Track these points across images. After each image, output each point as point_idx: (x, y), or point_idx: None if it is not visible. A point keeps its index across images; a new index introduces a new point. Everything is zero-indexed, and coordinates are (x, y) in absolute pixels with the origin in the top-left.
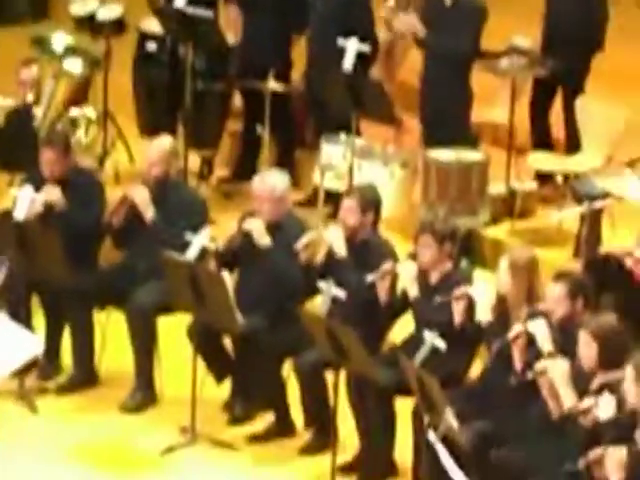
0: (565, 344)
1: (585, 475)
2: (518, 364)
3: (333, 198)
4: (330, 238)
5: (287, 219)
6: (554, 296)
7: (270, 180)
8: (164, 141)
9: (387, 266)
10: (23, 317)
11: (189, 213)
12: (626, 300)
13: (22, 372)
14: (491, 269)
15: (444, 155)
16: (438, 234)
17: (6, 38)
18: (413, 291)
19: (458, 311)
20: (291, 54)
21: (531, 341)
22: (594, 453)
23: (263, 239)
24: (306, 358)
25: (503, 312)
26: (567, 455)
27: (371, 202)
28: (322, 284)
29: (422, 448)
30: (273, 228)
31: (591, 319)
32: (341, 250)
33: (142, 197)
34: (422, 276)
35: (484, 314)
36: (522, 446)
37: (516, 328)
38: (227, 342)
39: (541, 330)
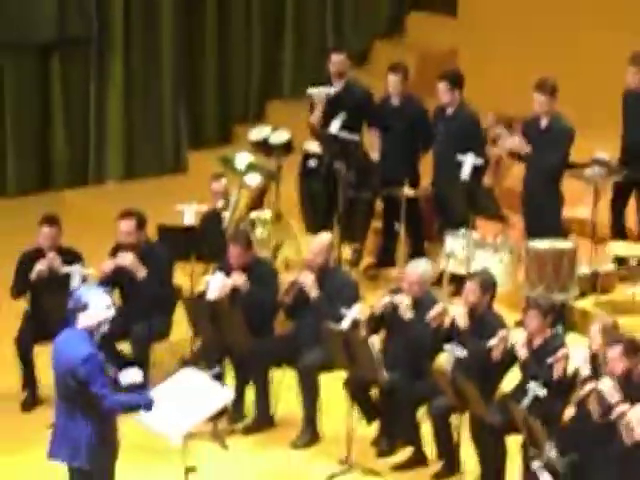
0: (632, 393)
1: None
2: (595, 412)
3: (455, 280)
4: (455, 312)
5: (426, 296)
6: (614, 355)
7: (421, 267)
8: (324, 237)
9: (503, 333)
10: (219, 376)
11: (344, 292)
12: None
13: (215, 417)
14: (580, 333)
15: (541, 244)
16: (542, 308)
17: (199, 158)
18: (523, 352)
19: (558, 368)
20: (419, 167)
21: None
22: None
23: (408, 313)
24: (437, 404)
25: (595, 367)
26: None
27: (489, 284)
28: (447, 346)
29: (529, 475)
30: (416, 304)
31: None
32: (463, 322)
33: (308, 281)
34: (528, 341)
35: (583, 369)
36: (606, 473)
37: (590, 385)
38: (375, 392)
39: (608, 384)
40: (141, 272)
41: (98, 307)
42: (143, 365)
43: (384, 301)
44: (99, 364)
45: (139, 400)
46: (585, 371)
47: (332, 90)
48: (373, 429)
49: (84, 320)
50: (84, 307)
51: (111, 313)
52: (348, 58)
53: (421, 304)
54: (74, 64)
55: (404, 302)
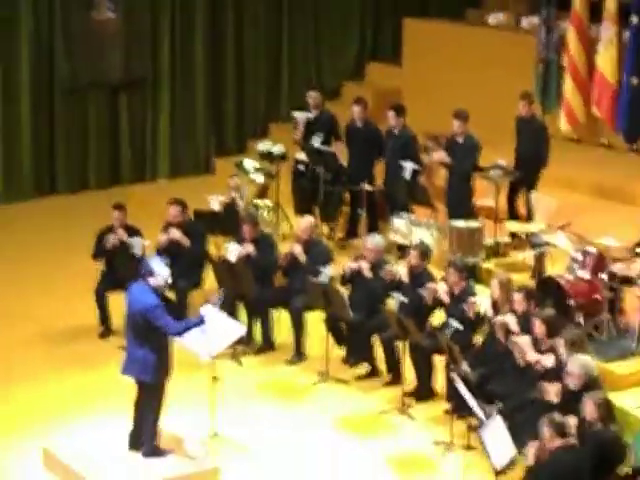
0: (526, 326)
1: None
2: (502, 338)
3: (401, 248)
4: (400, 271)
5: (380, 260)
6: (518, 299)
7: (375, 239)
8: (308, 219)
9: (431, 285)
10: (235, 314)
11: (322, 257)
12: (557, 302)
13: (234, 344)
14: (486, 285)
15: (459, 224)
16: (458, 267)
17: (222, 163)
18: (446, 298)
19: (470, 309)
20: (375, 170)
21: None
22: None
23: (367, 273)
24: (386, 334)
25: (495, 310)
26: (529, 385)
27: (425, 252)
28: (395, 294)
29: (449, 384)
30: (373, 267)
31: (540, 312)
32: (405, 278)
33: (298, 250)
34: (449, 290)
35: (488, 311)
36: (504, 381)
37: (499, 319)
38: (344, 325)
39: (511, 319)
40: (186, 242)
41: (161, 273)
42: (183, 307)
43: (351, 266)
44: (162, 308)
45: (190, 323)
46: (489, 312)
47: (310, 115)
48: (343, 351)
49: (152, 281)
50: (152, 273)
51: (168, 276)
52: (324, 94)
53: (377, 265)
54: (135, 96)
55: (364, 265)
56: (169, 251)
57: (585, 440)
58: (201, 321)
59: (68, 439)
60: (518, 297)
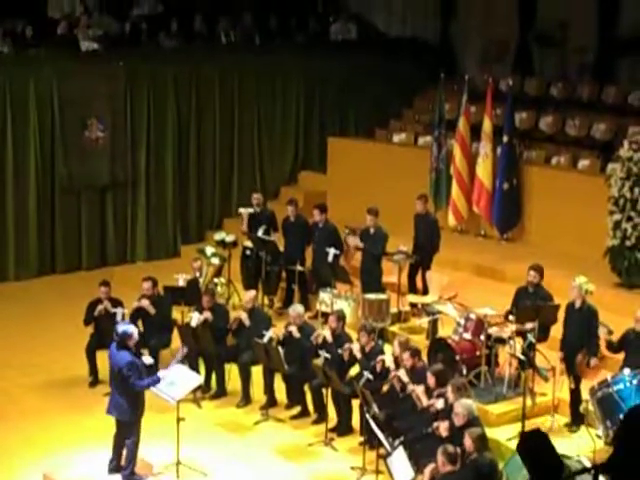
0: (415, 377)
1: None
2: (397, 387)
3: (324, 315)
4: (324, 333)
5: (304, 325)
6: (406, 357)
7: (297, 308)
8: (252, 292)
9: (348, 345)
10: (196, 367)
11: (264, 322)
12: (445, 357)
13: (195, 391)
14: (390, 344)
15: (370, 296)
16: (368, 330)
17: (187, 249)
18: (359, 355)
19: (378, 364)
20: (306, 254)
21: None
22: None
23: (297, 334)
24: (315, 382)
25: (396, 364)
26: (425, 423)
27: (342, 317)
28: (321, 352)
29: (364, 422)
30: (300, 329)
31: (431, 366)
32: (329, 339)
33: (245, 317)
34: (362, 349)
35: (391, 365)
36: (406, 419)
37: (394, 373)
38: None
39: (402, 373)
40: (151, 310)
41: (134, 335)
42: (155, 360)
43: (285, 330)
44: (134, 365)
45: (153, 381)
46: (392, 366)
47: (252, 210)
48: (281, 397)
49: (129, 342)
50: (125, 335)
51: (137, 337)
52: (266, 195)
53: (303, 329)
54: (118, 195)
55: (293, 329)
56: (141, 317)
57: (465, 465)
58: (159, 380)
59: (64, 466)
60: (406, 355)
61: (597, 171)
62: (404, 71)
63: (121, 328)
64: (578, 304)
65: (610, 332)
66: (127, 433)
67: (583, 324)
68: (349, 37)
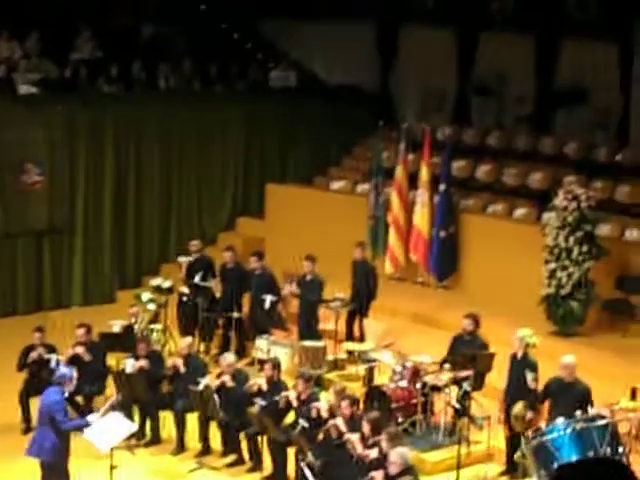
0: (353, 425)
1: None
2: (334, 435)
3: (261, 362)
4: (259, 382)
5: (238, 373)
6: (344, 405)
7: (229, 357)
8: (188, 338)
9: (284, 393)
10: (130, 414)
11: (200, 369)
12: (382, 405)
13: (128, 438)
14: (327, 391)
15: (307, 343)
16: (305, 377)
17: (123, 295)
18: (295, 403)
19: (314, 411)
20: (242, 301)
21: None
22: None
23: (230, 383)
24: (250, 430)
25: (332, 412)
26: (360, 471)
27: (277, 364)
28: (257, 400)
29: (299, 470)
30: (234, 378)
31: (366, 414)
32: (265, 386)
33: (180, 363)
34: (298, 397)
35: (326, 413)
36: (341, 467)
37: (331, 421)
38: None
39: (340, 421)
40: (86, 357)
41: (73, 379)
42: (88, 408)
43: (218, 380)
44: (63, 407)
45: (81, 424)
46: (326, 414)
47: (191, 258)
48: (216, 445)
49: (66, 386)
50: (61, 379)
51: (74, 381)
52: (204, 241)
53: (236, 377)
54: (55, 241)
55: (226, 379)
56: (76, 363)
57: None
58: (87, 423)
59: None
60: (344, 404)
61: (533, 220)
62: (344, 119)
63: (61, 370)
64: (519, 355)
65: (535, 379)
66: (54, 478)
67: (521, 376)
68: (289, 84)
